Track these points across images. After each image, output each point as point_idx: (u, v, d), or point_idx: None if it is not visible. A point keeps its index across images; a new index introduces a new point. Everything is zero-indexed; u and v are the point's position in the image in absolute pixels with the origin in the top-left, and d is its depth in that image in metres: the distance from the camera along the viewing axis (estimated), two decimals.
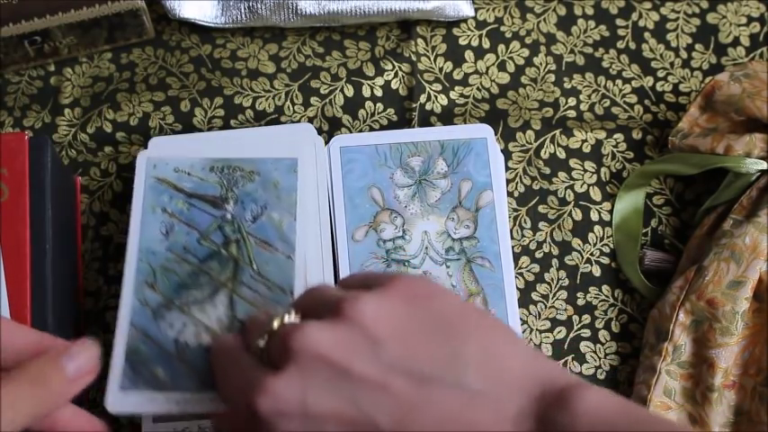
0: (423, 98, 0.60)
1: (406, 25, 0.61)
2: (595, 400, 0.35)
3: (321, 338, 0.36)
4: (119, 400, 0.41)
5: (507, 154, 0.58)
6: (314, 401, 0.35)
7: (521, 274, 0.56)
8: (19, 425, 0.36)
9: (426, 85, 0.60)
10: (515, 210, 0.57)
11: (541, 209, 0.58)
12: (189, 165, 0.47)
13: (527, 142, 0.59)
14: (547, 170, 0.58)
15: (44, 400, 0.37)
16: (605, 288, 0.56)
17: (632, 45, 0.61)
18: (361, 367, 0.35)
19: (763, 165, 0.52)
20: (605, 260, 0.57)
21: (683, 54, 0.61)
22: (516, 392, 0.36)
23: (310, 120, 0.59)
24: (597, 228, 0.57)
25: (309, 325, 0.37)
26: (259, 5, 0.58)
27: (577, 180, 0.58)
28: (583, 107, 0.60)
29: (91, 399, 0.53)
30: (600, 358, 0.55)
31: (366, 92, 0.60)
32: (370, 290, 0.38)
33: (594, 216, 0.58)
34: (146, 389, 0.42)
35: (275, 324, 0.38)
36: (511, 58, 0.61)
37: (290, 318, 0.39)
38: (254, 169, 0.47)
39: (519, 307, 0.55)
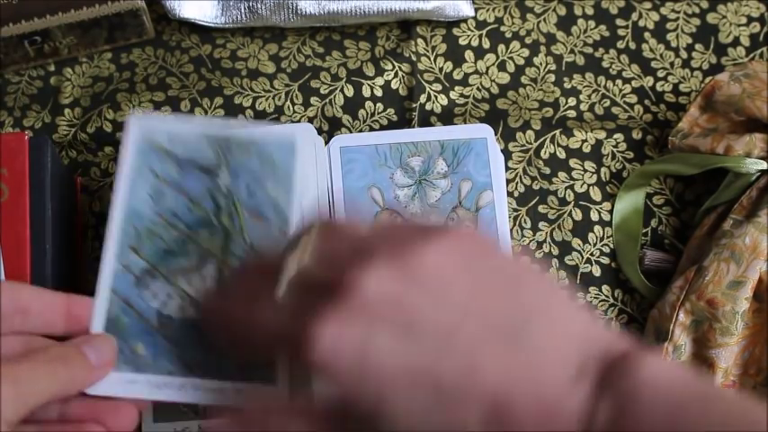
0: (423, 98, 0.60)
1: (406, 25, 0.61)
2: (661, 369, 0.32)
3: (387, 278, 0.33)
4: None
5: (507, 154, 0.58)
6: (373, 343, 0.32)
7: None
8: (38, 398, 0.36)
9: (426, 85, 0.60)
10: (515, 210, 0.57)
11: (541, 209, 0.58)
12: (183, 133, 0.44)
13: (527, 142, 0.59)
14: (547, 170, 0.58)
15: (65, 379, 0.37)
16: (605, 288, 0.56)
17: (632, 45, 0.61)
18: (428, 314, 0.33)
19: (763, 165, 0.52)
20: (605, 260, 0.57)
21: (683, 54, 0.61)
22: (577, 352, 0.33)
23: (310, 120, 0.59)
24: (597, 228, 0.57)
25: (374, 263, 0.33)
26: (259, 5, 0.58)
27: (577, 180, 0.58)
28: (583, 107, 0.60)
29: None
30: None
31: (366, 92, 0.60)
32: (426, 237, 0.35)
33: (594, 216, 0.58)
34: (125, 369, 0.39)
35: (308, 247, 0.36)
36: (511, 58, 0.61)
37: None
38: (251, 145, 0.44)
39: None
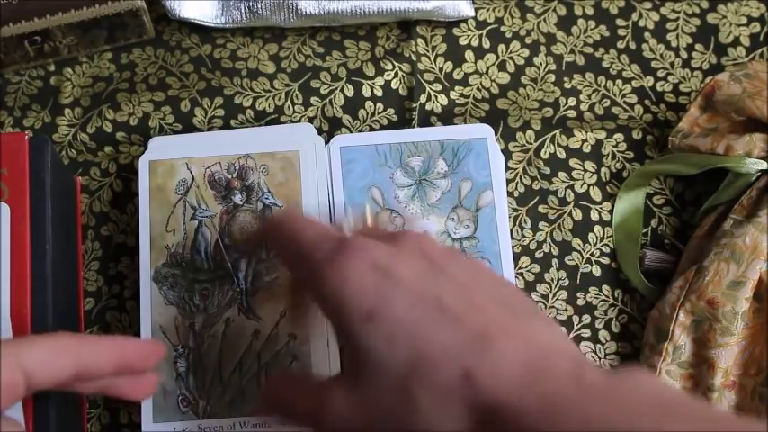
0: (423, 98, 0.60)
1: (406, 25, 0.61)
2: (645, 378, 0.35)
3: (425, 237, 0.41)
4: None
5: (507, 154, 0.58)
6: (400, 263, 0.38)
7: (521, 274, 0.56)
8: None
9: (426, 85, 0.60)
10: (515, 210, 0.57)
11: (541, 209, 0.58)
12: None
13: (527, 142, 0.59)
14: (547, 170, 0.58)
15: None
16: (605, 288, 0.56)
17: (632, 45, 0.61)
18: (452, 269, 0.39)
19: (763, 165, 0.52)
20: (605, 260, 0.57)
21: (683, 54, 0.61)
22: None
23: (310, 120, 0.59)
24: (597, 228, 0.57)
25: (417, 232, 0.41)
26: (259, 5, 0.58)
27: (577, 180, 0.58)
28: (583, 107, 0.60)
29: (90, 399, 0.53)
30: (600, 358, 0.55)
31: (366, 92, 0.60)
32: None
33: (594, 216, 0.58)
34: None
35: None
36: (511, 58, 0.61)
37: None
38: None
39: None
